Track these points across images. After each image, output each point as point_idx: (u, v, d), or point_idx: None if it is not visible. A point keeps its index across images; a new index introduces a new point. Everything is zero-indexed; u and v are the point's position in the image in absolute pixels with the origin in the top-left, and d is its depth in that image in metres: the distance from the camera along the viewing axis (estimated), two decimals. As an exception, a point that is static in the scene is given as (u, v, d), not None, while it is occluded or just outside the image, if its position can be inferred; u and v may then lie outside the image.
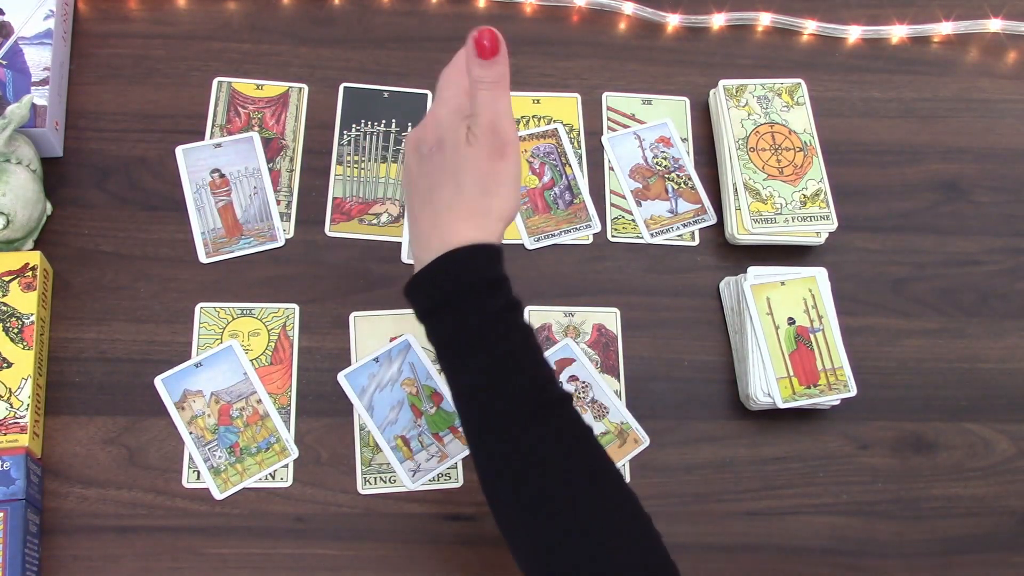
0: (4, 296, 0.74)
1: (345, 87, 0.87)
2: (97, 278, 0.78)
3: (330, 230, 0.82)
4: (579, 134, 0.88)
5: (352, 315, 0.79)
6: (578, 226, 0.85)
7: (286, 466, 0.75)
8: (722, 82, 0.88)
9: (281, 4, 0.90)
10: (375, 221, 0.83)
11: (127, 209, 0.81)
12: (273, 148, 0.84)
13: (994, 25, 0.96)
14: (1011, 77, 0.96)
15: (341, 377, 0.77)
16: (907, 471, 0.80)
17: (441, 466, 0.75)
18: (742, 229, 0.83)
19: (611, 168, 0.87)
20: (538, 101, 0.89)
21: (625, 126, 0.89)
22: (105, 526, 0.72)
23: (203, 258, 0.80)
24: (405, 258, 0.82)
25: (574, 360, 0.80)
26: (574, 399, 0.70)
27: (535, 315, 0.81)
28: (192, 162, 0.82)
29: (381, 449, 0.75)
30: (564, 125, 0.88)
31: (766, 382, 0.78)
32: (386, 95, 0.87)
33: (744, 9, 0.94)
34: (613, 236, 0.85)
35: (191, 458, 0.74)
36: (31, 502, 0.69)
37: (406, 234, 0.82)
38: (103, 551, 0.71)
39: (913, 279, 0.87)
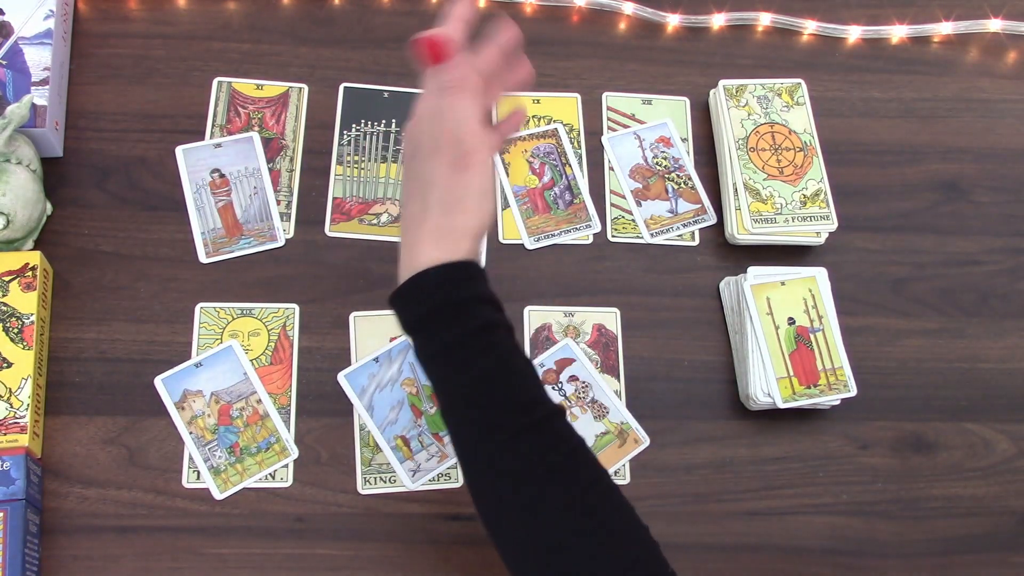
0: (4, 296, 0.74)
1: (345, 87, 0.87)
2: (97, 278, 0.78)
3: (330, 230, 0.82)
4: (579, 134, 0.88)
5: (352, 315, 0.79)
6: (578, 226, 0.85)
7: (286, 466, 0.75)
8: (722, 82, 0.88)
9: (281, 4, 0.90)
10: (375, 221, 0.83)
11: (127, 209, 0.81)
12: (273, 148, 0.84)
13: (994, 25, 0.96)
14: (1011, 77, 0.96)
15: (341, 377, 0.77)
16: (907, 471, 0.80)
17: (441, 466, 0.75)
18: (742, 229, 0.83)
19: (611, 168, 0.87)
20: (538, 101, 0.89)
21: (625, 126, 0.89)
22: (105, 526, 0.72)
23: (203, 258, 0.80)
24: (405, 258, 0.82)
25: (574, 360, 0.80)
26: (566, 413, 0.68)
27: (535, 315, 0.81)
28: (192, 162, 0.82)
29: (381, 449, 0.75)
30: (564, 125, 0.88)
31: (766, 382, 0.78)
32: (386, 95, 0.87)
33: (744, 9, 0.94)
34: (613, 236, 0.85)
35: (191, 458, 0.74)
36: (31, 502, 0.69)
37: (406, 234, 0.82)
38: (103, 551, 0.71)
39: (913, 279, 0.87)
